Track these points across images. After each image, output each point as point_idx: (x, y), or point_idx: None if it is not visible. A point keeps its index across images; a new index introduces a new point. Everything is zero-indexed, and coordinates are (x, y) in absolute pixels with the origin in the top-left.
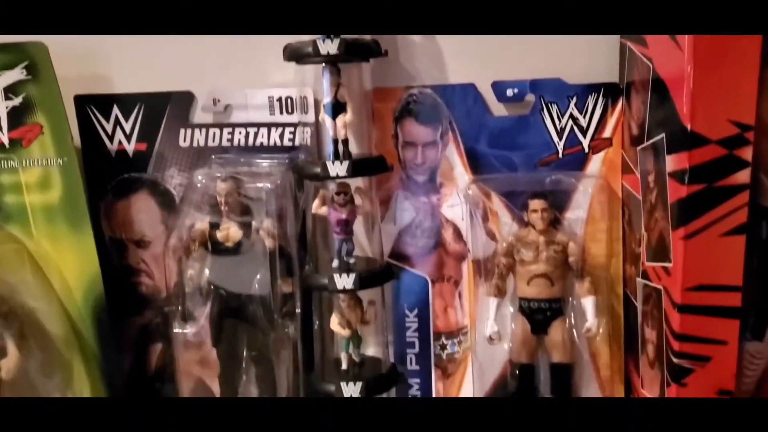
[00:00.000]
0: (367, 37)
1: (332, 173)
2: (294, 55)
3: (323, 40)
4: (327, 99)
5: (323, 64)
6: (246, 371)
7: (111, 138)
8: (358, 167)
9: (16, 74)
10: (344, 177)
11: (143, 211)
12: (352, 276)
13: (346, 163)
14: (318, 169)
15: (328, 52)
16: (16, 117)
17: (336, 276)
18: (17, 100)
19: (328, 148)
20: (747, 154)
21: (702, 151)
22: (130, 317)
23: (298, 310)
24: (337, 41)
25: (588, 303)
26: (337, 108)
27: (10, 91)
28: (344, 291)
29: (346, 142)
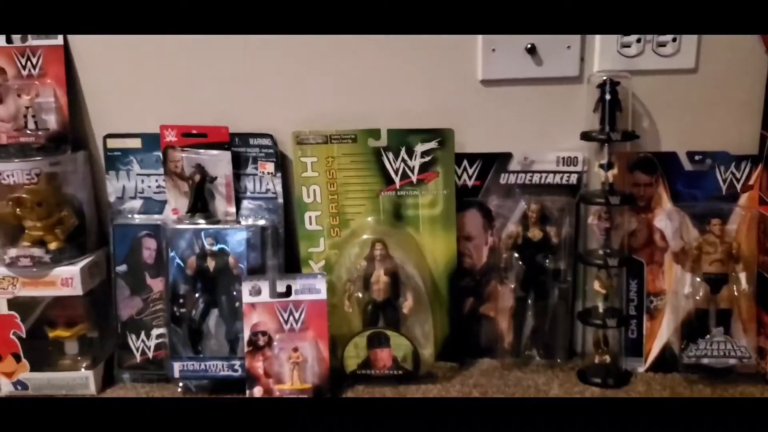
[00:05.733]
0: (629, 128)
1: (612, 202)
2: (588, 136)
3: (611, 133)
4: (605, 160)
5: (606, 142)
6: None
7: (460, 177)
8: (624, 199)
9: (432, 144)
10: (616, 205)
11: (472, 219)
12: (616, 259)
13: (618, 197)
14: (603, 200)
15: (617, 138)
16: (424, 167)
17: (607, 259)
18: (427, 158)
19: (605, 188)
20: None
21: None
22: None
23: (569, 278)
24: (619, 134)
25: (743, 275)
26: (610, 165)
27: (425, 153)
28: (610, 267)
29: (611, 185)
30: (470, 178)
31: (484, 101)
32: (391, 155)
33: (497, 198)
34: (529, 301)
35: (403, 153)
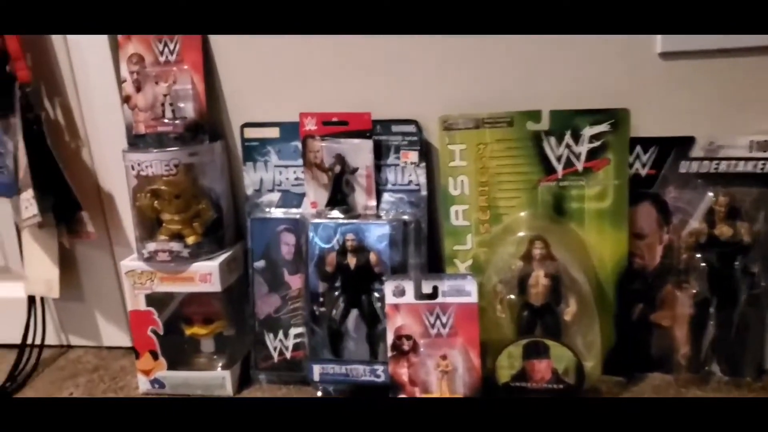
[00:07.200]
0: None
1: None
2: None
3: None
4: None
5: None
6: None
7: (632, 166)
8: None
9: (603, 127)
10: None
11: (646, 214)
12: None
13: None
14: None
15: None
16: (592, 154)
17: None
18: (597, 143)
19: None
20: None
21: None
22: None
23: (762, 283)
24: None
25: None
26: None
27: (594, 137)
28: None
29: None
30: (644, 166)
31: (663, 77)
32: (553, 140)
33: (675, 190)
34: (712, 309)
35: (567, 137)
